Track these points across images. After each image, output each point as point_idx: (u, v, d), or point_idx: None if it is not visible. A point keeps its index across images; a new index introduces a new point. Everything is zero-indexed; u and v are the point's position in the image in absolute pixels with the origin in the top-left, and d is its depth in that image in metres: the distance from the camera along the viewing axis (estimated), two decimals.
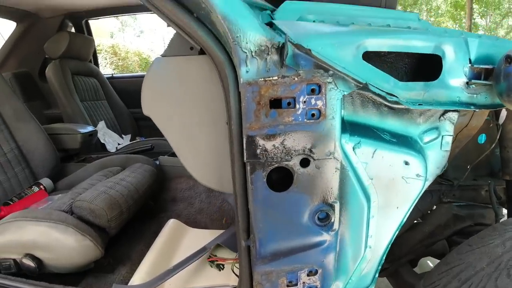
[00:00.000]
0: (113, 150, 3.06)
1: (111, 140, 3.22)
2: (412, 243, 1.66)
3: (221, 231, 1.75)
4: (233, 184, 0.97)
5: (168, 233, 1.82)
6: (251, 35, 0.83)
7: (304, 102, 0.87)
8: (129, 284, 1.48)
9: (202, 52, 1.01)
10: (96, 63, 4.07)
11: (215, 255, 1.48)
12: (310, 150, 0.90)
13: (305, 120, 0.88)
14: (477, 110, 1.04)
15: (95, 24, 4.05)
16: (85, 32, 3.84)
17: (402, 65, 1.12)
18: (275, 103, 0.87)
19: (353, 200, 0.98)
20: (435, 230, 1.63)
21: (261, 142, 0.88)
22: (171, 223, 1.90)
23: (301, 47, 0.83)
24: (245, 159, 0.90)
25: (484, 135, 1.58)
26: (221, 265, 1.49)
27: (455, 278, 1.16)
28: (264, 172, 0.91)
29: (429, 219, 1.64)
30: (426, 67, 1.07)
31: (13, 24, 3.47)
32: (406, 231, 1.67)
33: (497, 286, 1.06)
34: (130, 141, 3.33)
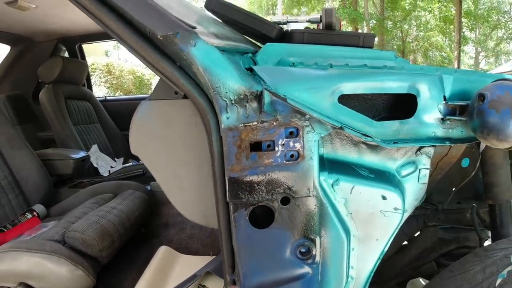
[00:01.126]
0: (106, 174, 3.08)
1: (104, 163, 3.25)
2: (400, 266, 1.69)
3: (212, 257, 1.78)
4: (217, 222, 1.01)
5: (159, 261, 1.85)
6: (230, 85, 0.88)
7: (283, 144, 0.91)
8: None
9: (186, 96, 1.05)
10: (90, 86, 4.11)
11: (204, 286, 1.51)
12: (290, 189, 0.94)
13: (284, 161, 0.92)
14: (452, 145, 1.09)
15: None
16: (78, 56, 3.88)
17: (380, 101, 1.16)
18: (255, 146, 0.92)
19: (333, 234, 1.02)
20: (422, 253, 1.66)
21: (242, 183, 0.92)
22: (162, 251, 1.93)
23: (278, 95, 0.88)
24: (228, 199, 0.94)
25: (467, 159, 1.62)
26: None
27: None
28: (246, 211, 0.95)
29: (416, 242, 1.68)
30: (404, 102, 1.11)
31: (7, 47, 3.52)
32: (394, 254, 1.70)
33: None
34: (122, 164, 3.36)
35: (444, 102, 1.06)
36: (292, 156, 0.93)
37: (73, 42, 3.79)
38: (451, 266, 1.30)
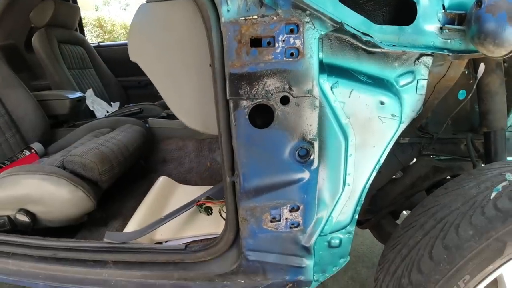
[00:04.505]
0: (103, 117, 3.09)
1: (100, 107, 3.25)
2: (394, 195, 1.73)
3: (211, 187, 1.81)
4: (217, 122, 1.02)
5: (159, 189, 1.88)
6: None
7: (283, 41, 0.91)
8: None
9: None
10: (82, 31, 4.04)
11: (203, 205, 1.54)
12: (290, 88, 0.95)
13: (284, 58, 0.93)
14: (450, 54, 1.09)
15: None
16: (70, 0, 3.80)
17: (380, 13, 1.16)
18: (256, 42, 0.92)
19: (332, 138, 1.04)
20: (415, 182, 1.70)
21: (242, 80, 0.93)
22: (162, 180, 1.96)
23: None
24: (228, 96, 0.95)
25: (464, 91, 1.64)
26: (209, 209, 1.55)
27: (431, 218, 1.23)
28: (246, 109, 0.96)
29: (410, 171, 1.71)
30: (404, 16, 1.11)
31: None
32: (388, 183, 1.74)
33: (472, 223, 1.13)
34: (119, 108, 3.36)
35: (443, 11, 1.06)
36: (292, 54, 0.93)
37: None
38: (445, 185, 1.33)
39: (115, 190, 1.99)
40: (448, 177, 1.75)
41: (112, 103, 3.51)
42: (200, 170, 2.19)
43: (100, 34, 11.60)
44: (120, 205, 1.92)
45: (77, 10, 3.72)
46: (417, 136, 1.67)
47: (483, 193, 1.19)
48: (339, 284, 2.29)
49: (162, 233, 1.58)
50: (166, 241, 1.58)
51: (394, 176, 1.80)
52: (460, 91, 1.65)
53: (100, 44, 4.14)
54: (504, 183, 1.19)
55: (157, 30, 1.11)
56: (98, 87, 3.62)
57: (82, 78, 3.48)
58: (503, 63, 1.61)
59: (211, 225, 1.58)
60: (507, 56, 1.08)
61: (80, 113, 2.96)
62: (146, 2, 1.11)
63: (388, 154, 1.62)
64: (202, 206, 1.52)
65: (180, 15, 1.08)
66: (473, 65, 1.51)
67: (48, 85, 3.32)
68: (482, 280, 1.18)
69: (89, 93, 3.32)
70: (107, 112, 3.27)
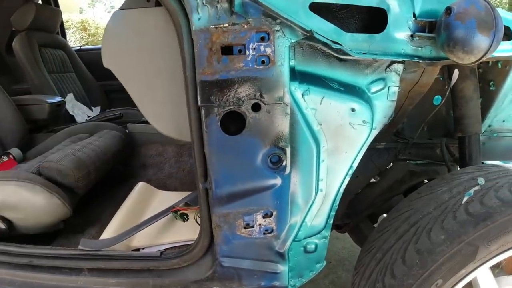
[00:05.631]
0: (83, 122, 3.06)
1: (80, 112, 3.22)
2: (371, 199, 1.75)
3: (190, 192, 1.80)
4: (190, 129, 1.02)
5: (137, 195, 1.87)
6: None
7: (254, 49, 0.92)
8: None
9: (158, 4, 1.05)
10: (64, 36, 4.01)
11: (179, 211, 1.54)
12: (261, 95, 0.96)
13: (255, 66, 0.93)
14: (421, 61, 1.11)
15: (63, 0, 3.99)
16: (52, 3, 3.77)
17: (353, 21, 1.17)
18: (227, 50, 0.92)
19: (304, 144, 1.05)
20: (392, 186, 1.72)
21: (213, 87, 0.93)
22: (140, 186, 1.95)
23: None
24: (199, 103, 0.95)
25: (439, 96, 1.66)
26: (185, 216, 1.55)
27: (404, 222, 1.25)
28: (218, 116, 0.97)
29: (386, 175, 1.73)
30: (376, 24, 1.13)
31: None
32: (365, 187, 1.75)
33: (444, 227, 1.15)
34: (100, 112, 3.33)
35: (413, 19, 1.08)
36: (263, 61, 0.94)
37: None
38: (419, 189, 1.35)
39: (94, 196, 1.98)
40: (426, 181, 1.78)
41: (93, 107, 3.48)
42: (180, 176, 2.18)
43: (84, 37, 11.51)
44: (99, 211, 1.90)
45: (58, 13, 3.69)
46: (393, 141, 1.69)
47: (455, 198, 1.21)
48: None
49: (139, 240, 1.58)
50: (143, 248, 1.57)
51: (372, 180, 1.82)
52: (435, 97, 1.67)
53: (82, 47, 4.11)
54: (476, 188, 1.21)
55: (130, 37, 1.11)
56: (79, 91, 3.59)
57: (63, 82, 3.45)
58: (477, 69, 1.65)
59: (188, 231, 1.58)
60: (477, 63, 1.10)
61: (59, 118, 2.93)
62: (120, 9, 1.11)
63: (364, 159, 1.65)
64: (177, 212, 1.51)
65: (153, 22, 1.08)
66: (447, 71, 1.54)
67: (29, 89, 3.28)
68: (455, 284, 1.20)
69: (70, 97, 3.29)
70: (88, 116, 3.24)
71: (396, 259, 1.19)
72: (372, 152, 1.67)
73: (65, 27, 4.09)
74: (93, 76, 3.76)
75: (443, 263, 1.13)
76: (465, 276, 1.19)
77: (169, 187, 2.12)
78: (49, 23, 3.51)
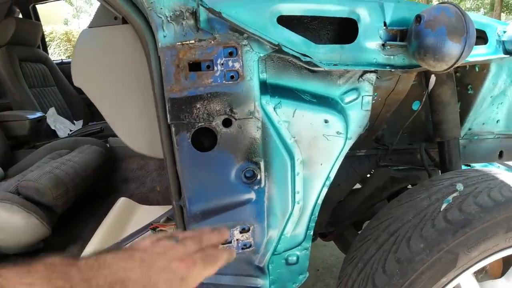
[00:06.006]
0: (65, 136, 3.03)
1: (62, 126, 3.18)
2: (354, 206, 1.74)
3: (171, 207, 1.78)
4: (161, 146, 1.01)
5: (118, 211, 1.85)
6: (164, 1, 0.87)
7: (222, 64, 0.91)
8: None
9: (125, 21, 1.04)
10: (45, 49, 3.98)
11: (160, 229, 1.52)
12: (231, 111, 0.95)
13: (224, 81, 0.92)
14: (393, 70, 1.11)
15: (47, 11, 3.97)
16: (32, 17, 3.74)
17: (325, 32, 1.17)
18: (195, 66, 0.91)
19: (278, 157, 1.04)
20: (374, 192, 1.71)
21: (183, 104, 0.92)
22: (121, 201, 1.92)
23: (214, 11, 0.87)
24: (169, 121, 0.94)
25: (418, 102, 1.67)
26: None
27: (384, 231, 1.24)
28: (188, 133, 0.95)
29: (368, 182, 1.72)
30: (348, 34, 1.12)
31: None
32: (348, 195, 1.75)
33: (422, 236, 1.14)
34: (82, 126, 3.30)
35: (384, 27, 1.07)
36: (232, 77, 0.93)
37: (27, 3, 3.65)
38: (398, 197, 1.34)
39: (75, 213, 1.95)
40: (409, 186, 1.78)
41: (75, 121, 3.44)
42: (162, 189, 2.16)
43: (69, 48, 11.42)
44: (80, 229, 1.88)
45: (39, 27, 3.66)
46: (373, 148, 1.69)
47: (434, 205, 1.20)
48: None
49: None
50: None
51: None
52: (414, 102, 1.68)
53: (64, 61, 4.08)
54: (455, 194, 1.21)
55: (99, 55, 1.10)
56: (61, 105, 3.55)
57: (44, 96, 3.41)
58: (455, 73, 1.65)
59: None
60: (449, 70, 1.10)
61: (41, 133, 2.90)
62: (88, 27, 1.10)
63: (345, 167, 1.65)
64: (156, 229, 1.50)
65: (122, 39, 1.07)
66: (425, 76, 1.54)
67: (10, 104, 3.25)
68: None
69: (51, 112, 3.25)
70: (70, 130, 3.21)
71: (377, 269, 1.18)
72: (353, 159, 1.67)
73: (49, 38, 4.07)
74: (75, 89, 3.73)
75: (423, 272, 1.12)
76: (447, 284, 1.19)
77: (152, 201, 2.10)
78: (30, 37, 3.48)
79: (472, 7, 28.14)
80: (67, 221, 1.90)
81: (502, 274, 1.42)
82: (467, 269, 1.19)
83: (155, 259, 0.63)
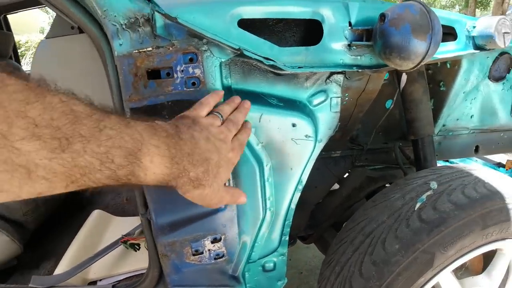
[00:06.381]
0: None
1: None
2: (332, 208, 1.73)
3: None
4: None
5: (92, 224, 1.80)
6: (118, 8, 0.83)
7: (182, 71, 0.88)
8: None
9: (82, 31, 1.00)
10: (17, 60, 3.89)
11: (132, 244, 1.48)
12: None
13: (185, 88, 0.90)
14: (361, 70, 1.09)
15: (23, 19, 3.90)
16: (3, 28, 3.65)
17: (291, 34, 1.15)
18: (154, 74, 0.88)
19: (245, 164, 1.02)
20: (351, 193, 1.70)
21: (143, 113, 0.89)
22: (95, 214, 1.88)
23: (170, 16, 0.84)
24: None
25: (391, 100, 1.66)
26: (135, 245, 1.49)
27: (360, 233, 1.23)
28: None
29: (345, 183, 1.71)
30: (315, 36, 1.11)
31: None
32: (325, 197, 1.73)
33: (397, 236, 1.13)
34: None
35: (350, 28, 1.06)
36: (193, 83, 0.90)
37: None
38: (373, 197, 1.33)
39: (49, 228, 1.90)
40: (387, 185, 1.77)
41: None
42: (129, 199, 2.12)
43: None
44: (54, 244, 1.82)
45: (10, 37, 3.56)
46: (348, 149, 1.68)
47: (408, 204, 1.19)
48: None
49: (95, 272, 1.51)
50: (100, 280, 1.51)
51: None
52: (387, 101, 1.67)
53: None
54: (429, 193, 1.20)
55: (57, 64, 1.06)
56: None
57: None
58: (427, 70, 1.65)
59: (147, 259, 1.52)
60: (416, 68, 1.09)
61: None
62: (45, 38, 1.06)
63: (321, 168, 1.63)
64: (127, 242, 1.46)
65: (79, 49, 1.03)
66: (396, 75, 1.53)
67: None
68: None
69: None
70: None
71: (353, 272, 1.17)
72: (329, 160, 1.66)
73: (25, 48, 3.99)
74: None
75: (399, 273, 1.11)
76: (425, 284, 1.18)
77: (128, 212, 2.05)
78: (1, 48, 3.40)
79: (447, 5, 28.56)
80: (41, 236, 1.84)
81: (483, 270, 1.42)
82: (444, 268, 1.18)
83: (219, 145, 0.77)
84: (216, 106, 0.87)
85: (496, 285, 1.38)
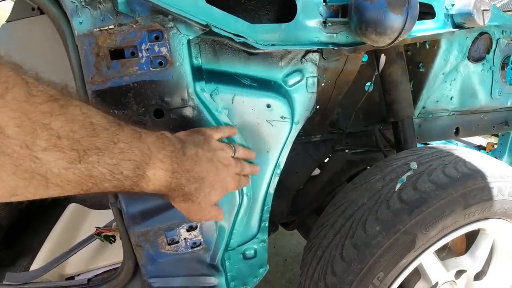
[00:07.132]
0: None
1: None
2: (314, 193, 1.70)
3: None
4: None
5: (68, 218, 1.75)
6: None
7: (147, 50, 0.84)
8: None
9: (43, 12, 0.95)
10: None
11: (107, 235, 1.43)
12: (162, 100, 0.88)
13: (151, 69, 0.85)
14: (337, 48, 1.06)
15: (5, 10, 3.76)
16: None
17: (265, 12, 1.11)
18: (118, 54, 0.84)
19: None
20: (333, 177, 1.68)
21: (107, 96, 0.84)
22: (71, 208, 1.82)
23: None
24: None
25: (370, 82, 1.64)
26: (110, 238, 1.44)
27: (340, 216, 1.21)
28: None
29: (326, 167, 1.69)
30: (290, 16, 1.07)
31: None
32: (306, 182, 1.71)
33: (378, 218, 1.11)
34: None
35: (324, 4, 1.03)
36: (160, 63, 0.85)
37: None
38: (353, 180, 1.31)
39: (24, 224, 1.83)
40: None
41: None
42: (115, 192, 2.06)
43: None
44: (31, 240, 1.76)
45: None
46: (329, 133, 1.65)
47: (388, 186, 1.17)
48: None
49: (72, 267, 1.46)
50: (77, 275, 1.46)
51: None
52: (367, 83, 1.65)
53: None
54: (409, 173, 1.18)
55: (20, 48, 1.01)
56: None
57: None
58: (405, 52, 1.63)
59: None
60: (393, 44, 1.06)
61: None
62: (6, 21, 1.01)
63: (302, 153, 1.60)
64: (101, 235, 1.41)
65: (41, 31, 0.98)
66: (375, 56, 1.51)
67: None
68: (398, 275, 1.17)
69: None
70: None
71: (335, 256, 1.14)
72: (309, 145, 1.63)
73: None
74: None
75: (381, 255, 1.09)
76: (407, 266, 1.16)
77: (105, 204, 1.99)
78: None
79: None
80: (16, 233, 1.78)
81: (466, 250, 1.41)
82: (427, 249, 1.17)
83: (221, 168, 0.82)
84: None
85: (480, 265, 1.37)
